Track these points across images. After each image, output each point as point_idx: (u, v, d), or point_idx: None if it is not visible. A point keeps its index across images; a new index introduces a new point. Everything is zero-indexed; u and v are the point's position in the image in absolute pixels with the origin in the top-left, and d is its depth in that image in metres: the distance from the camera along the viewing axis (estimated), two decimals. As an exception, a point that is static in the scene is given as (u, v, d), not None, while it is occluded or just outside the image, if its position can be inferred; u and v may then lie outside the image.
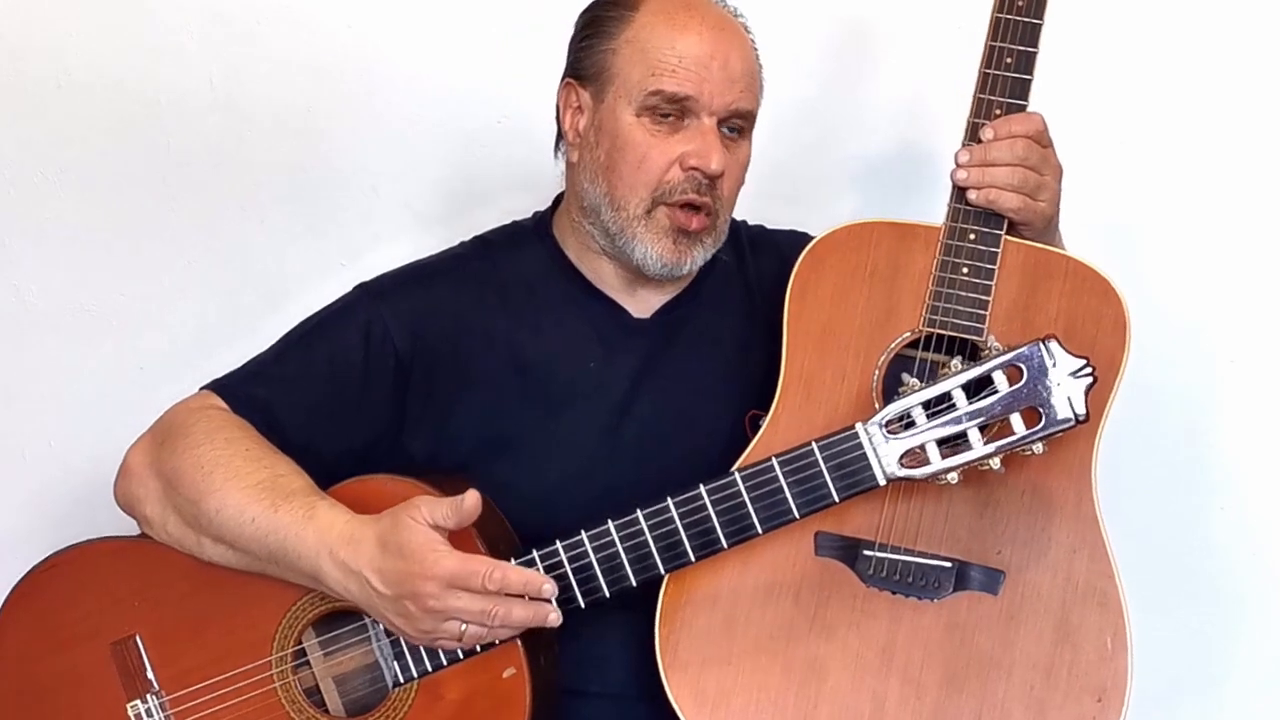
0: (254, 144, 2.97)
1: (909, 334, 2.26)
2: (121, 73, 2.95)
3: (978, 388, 2.08)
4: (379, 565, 2.13)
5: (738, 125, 2.36)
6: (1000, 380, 2.06)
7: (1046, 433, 2.07)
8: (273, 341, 2.45)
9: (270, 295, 2.94)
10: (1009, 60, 2.25)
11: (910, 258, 2.28)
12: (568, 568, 2.20)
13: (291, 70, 2.96)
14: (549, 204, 2.54)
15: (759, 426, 2.29)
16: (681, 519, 2.18)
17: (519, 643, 2.22)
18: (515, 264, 2.46)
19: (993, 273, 2.24)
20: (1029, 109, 2.27)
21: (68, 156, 2.97)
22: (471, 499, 2.12)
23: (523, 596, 2.14)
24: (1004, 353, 2.07)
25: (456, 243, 2.53)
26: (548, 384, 2.39)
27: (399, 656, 2.26)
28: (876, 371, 2.26)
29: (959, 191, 2.27)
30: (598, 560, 2.19)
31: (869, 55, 2.90)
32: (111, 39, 2.95)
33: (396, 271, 2.47)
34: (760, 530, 2.17)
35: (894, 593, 2.22)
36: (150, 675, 2.31)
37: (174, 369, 2.77)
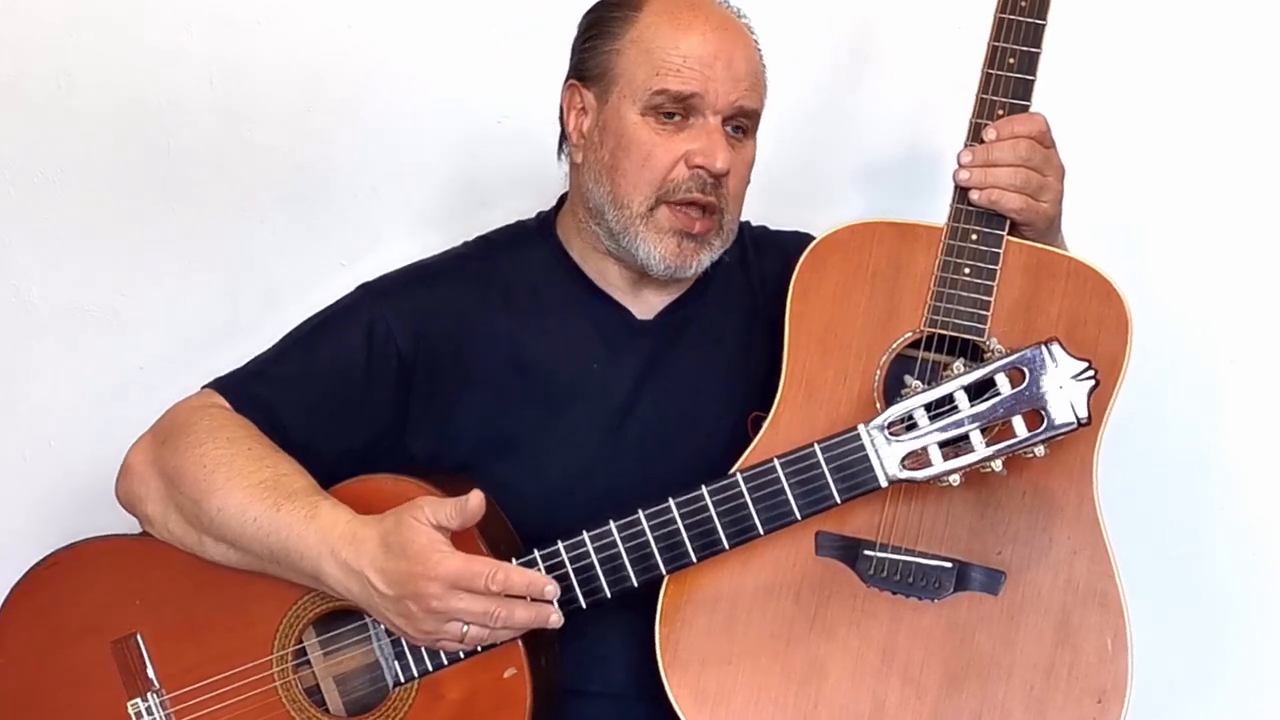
0: (254, 144, 2.97)
1: (910, 334, 2.26)
2: (121, 73, 2.95)
3: (979, 390, 2.08)
4: (381, 565, 2.13)
5: (742, 124, 2.36)
6: (1002, 382, 2.06)
7: (1048, 435, 2.07)
8: (274, 341, 2.45)
9: (270, 295, 2.94)
10: (1012, 60, 2.26)
11: (912, 258, 2.28)
12: (569, 568, 2.20)
13: (291, 70, 2.95)
14: (551, 204, 2.54)
15: (761, 428, 2.29)
16: (683, 519, 2.18)
17: (519, 642, 2.22)
18: (518, 264, 2.46)
19: (995, 273, 2.24)
20: (1032, 109, 2.27)
21: (68, 156, 2.97)
22: (476, 499, 2.12)
23: (524, 598, 2.14)
24: (1006, 355, 2.07)
25: (459, 243, 2.53)
26: (550, 384, 2.40)
27: (400, 656, 2.26)
28: (878, 372, 2.26)
29: (961, 192, 2.27)
30: (599, 560, 2.19)
31: (871, 56, 2.90)
32: (111, 39, 2.94)
33: (399, 271, 2.47)
34: (762, 531, 2.17)
35: (894, 593, 2.22)
36: (151, 674, 2.31)
37: (174, 369, 2.77)
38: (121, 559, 2.36)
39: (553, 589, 2.14)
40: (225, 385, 2.39)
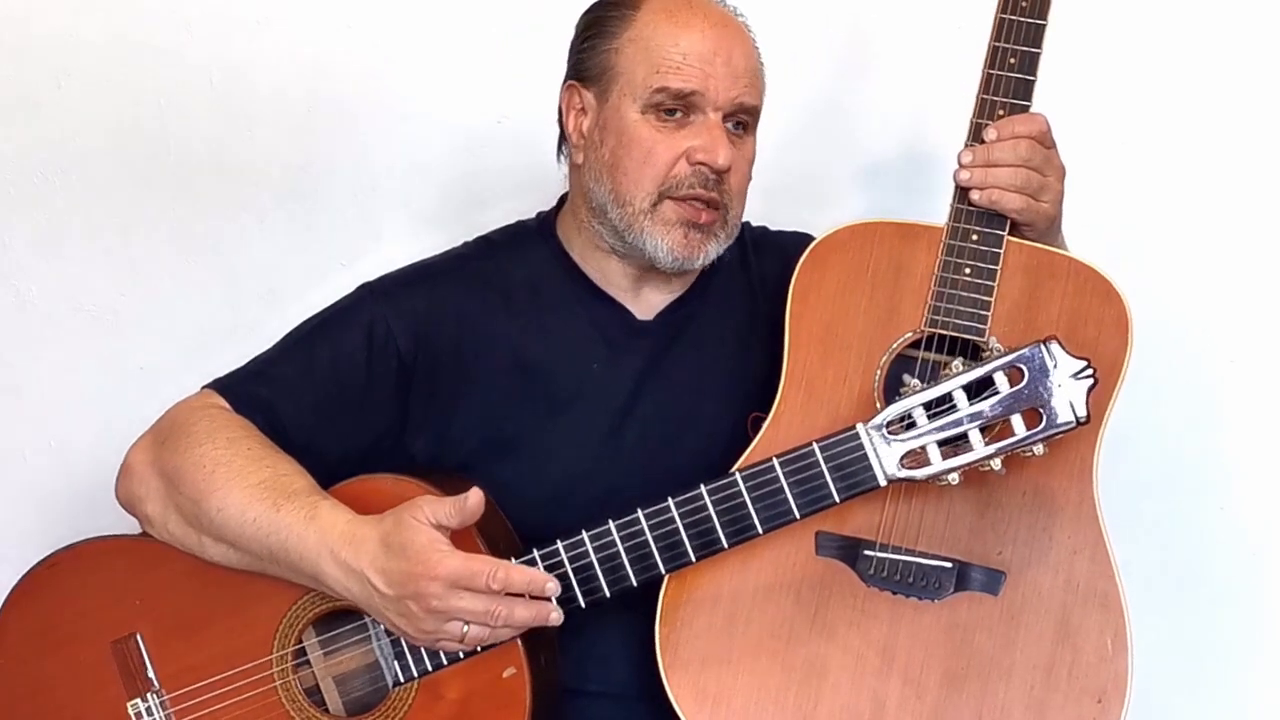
0: (254, 144, 2.97)
1: (911, 334, 2.26)
2: (121, 73, 2.95)
3: (979, 389, 2.08)
4: (381, 565, 2.13)
5: (743, 121, 2.37)
6: (1001, 381, 2.06)
7: (1047, 434, 2.07)
8: (273, 341, 2.44)
9: (270, 295, 2.95)
10: (1012, 61, 2.26)
11: (912, 258, 2.28)
12: (568, 567, 2.20)
13: (292, 70, 2.96)
14: (551, 204, 2.54)
15: (760, 428, 2.29)
16: (682, 519, 2.18)
17: (519, 642, 2.22)
18: (519, 264, 2.47)
19: (995, 273, 2.24)
20: (1032, 109, 2.27)
21: (68, 156, 2.97)
22: (475, 498, 2.12)
23: (524, 596, 2.14)
24: (1005, 354, 2.07)
25: (459, 243, 2.53)
26: (550, 385, 2.40)
27: (399, 656, 2.26)
28: (878, 372, 2.26)
29: (961, 192, 2.27)
30: (598, 560, 2.19)
31: (871, 56, 2.90)
32: (111, 39, 2.94)
33: (400, 272, 2.47)
34: (761, 530, 2.17)
35: (895, 593, 2.22)
36: (151, 674, 2.31)
37: (174, 369, 2.76)
38: (121, 559, 2.35)
39: (553, 586, 2.14)
40: (225, 385, 2.39)
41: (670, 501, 2.18)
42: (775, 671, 2.22)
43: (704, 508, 2.17)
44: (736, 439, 2.33)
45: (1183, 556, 2.89)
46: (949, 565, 2.22)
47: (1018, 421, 2.07)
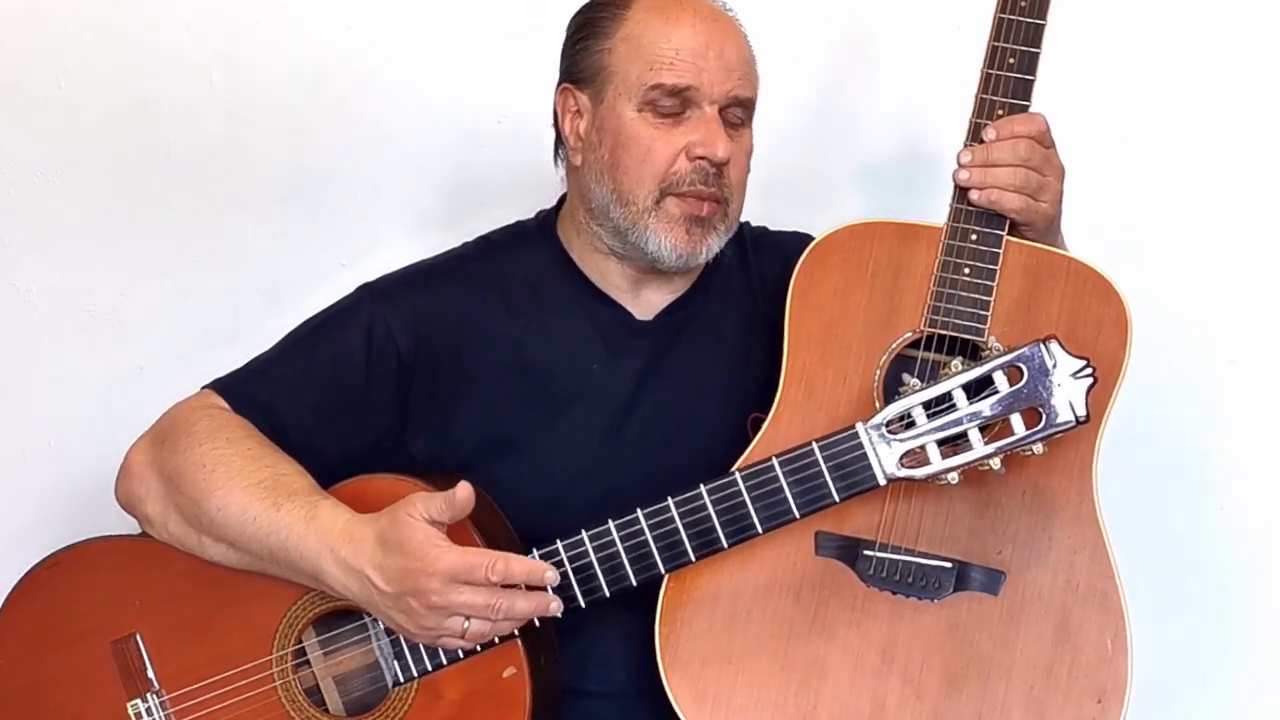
0: (254, 144, 2.97)
1: (910, 334, 2.26)
2: (121, 73, 2.95)
3: (978, 388, 2.08)
4: (380, 563, 2.13)
5: (739, 114, 2.37)
6: (1001, 381, 2.06)
7: (1047, 433, 2.07)
8: (274, 341, 2.45)
9: (270, 295, 2.95)
10: (1011, 60, 2.26)
11: (912, 258, 2.28)
12: (568, 567, 2.20)
13: (291, 70, 2.96)
14: (551, 203, 2.54)
15: (760, 428, 2.28)
16: (682, 519, 2.18)
17: (519, 642, 2.22)
18: (519, 264, 2.47)
19: (994, 273, 2.24)
20: (1031, 109, 2.27)
21: (68, 156, 2.97)
22: (463, 491, 2.11)
23: (522, 587, 2.14)
24: (1005, 353, 2.07)
25: (459, 243, 2.53)
26: (550, 385, 2.40)
27: (399, 656, 2.26)
28: (877, 371, 2.26)
29: (961, 192, 2.27)
30: (598, 560, 2.20)
31: (870, 56, 2.90)
32: (111, 39, 2.95)
33: (399, 272, 2.47)
34: (760, 530, 2.17)
35: (894, 593, 2.22)
36: (150, 674, 2.31)
37: (174, 369, 2.76)
38: (121, 559, 2.36)
39: (552, 575, 2.14)
40: (225, 386, 2.39)
41: (670, 501, 2.18)
42: (775, 671, 2.22)
43: (704, 507, 2.17)
44: (736, 439, 2.33)
45: (1183, 556, 2.89)
46: (949, 565, 2.22)
47: (1017, 421, 2.07)
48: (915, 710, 2.21)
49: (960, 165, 2.26)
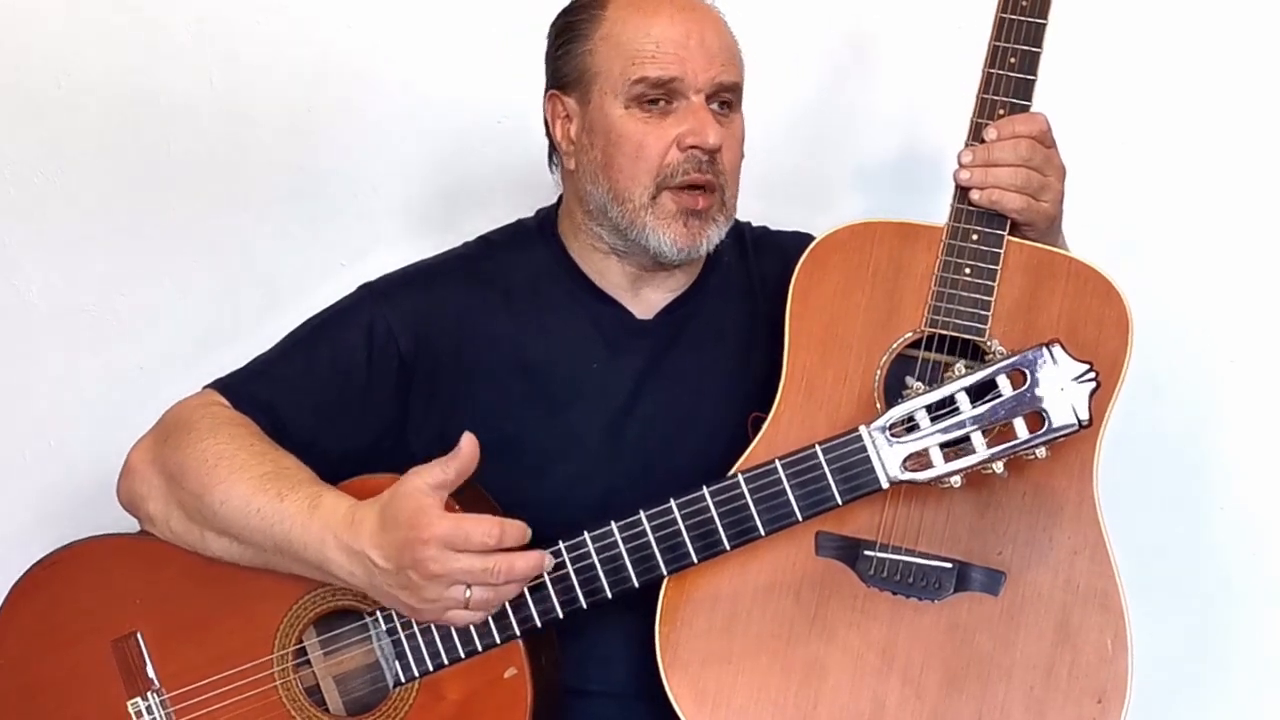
0: (253, 144, 2.97)
1: (911, 334, 2.26)
2: (121, 73, 2.95)
3: (980, 391, 2.08)
4: (379, 540, 2.13)
5: (726, 99, 2.36)
6: (1003, 384, 2.06)
7: (1049, 437, 2.07)
8: (274, 341, 2.45)
9: (270, 295, 2.95)
10: (1013, 60, 2.25)
11: (913, 258, 2.28)
12: (570, 568, 2.20)
13: (291, 70, 2.96)
14: (551, 201, 2.54)
15: (760, 428, 2.28)
16: (684, 520, 2.18)
17: (520, 642, 2.22)
18: (519, 264, 2.47)
19: (995, 273, 2.24)
20: (1032, 109, 2.27)
21: (68, 156, 2.97)
22: (468, 444, 2.10)
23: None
24: (1007, 357, 2.07)
25: (459, 243, 2.53)
26: (551, 384, 2.40)
27: (400, 656, 2.26)
28: (878, 372, 2.26)
29: (962, 191, 2.27)
30: (600, 560, 2.20)
31: (871, 56, 2.90)
32: (111, 39, 2.95)
33: (400, 272, 2.47)
34: (763, 532, 2.17)
35: (895, 593, 2.22)
36: (151, 673, 2.31)
37: (174, 369, 2.77)
38: (122, 558, 2.36)
39: (548, 561, 2.14)
40: (226, 385, 2.39)
41: (673, 502, 2.18)
42: (775, 671, 2.22)
43: (706, 509, 2.17)
44: (736, 439, 2.33)
45: (1183, 557, 2.89)
46: (949, 565, 2.22)
47: (1020, 424, 2.07)
48: (915, 710, 2.21)
49: (961, 165, 2.26)
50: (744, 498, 2.17)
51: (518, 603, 2.20)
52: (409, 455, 2.37)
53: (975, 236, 2.26)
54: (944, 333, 2.25)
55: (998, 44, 2.26)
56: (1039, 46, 2.26)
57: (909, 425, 2.11)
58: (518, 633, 2.22)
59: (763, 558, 2.24)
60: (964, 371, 2.09)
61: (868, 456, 2.13)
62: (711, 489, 2.17)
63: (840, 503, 2.16)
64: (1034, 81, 2.26)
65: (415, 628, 2.25)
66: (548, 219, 2.52)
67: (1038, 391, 2.05)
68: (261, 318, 2.77)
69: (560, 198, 2.53)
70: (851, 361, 2.27)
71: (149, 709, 2.31)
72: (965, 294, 2.25)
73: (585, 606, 2.21)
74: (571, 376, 2.41)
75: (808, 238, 2.39)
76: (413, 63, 2.95)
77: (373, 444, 2.39)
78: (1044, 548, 2.22)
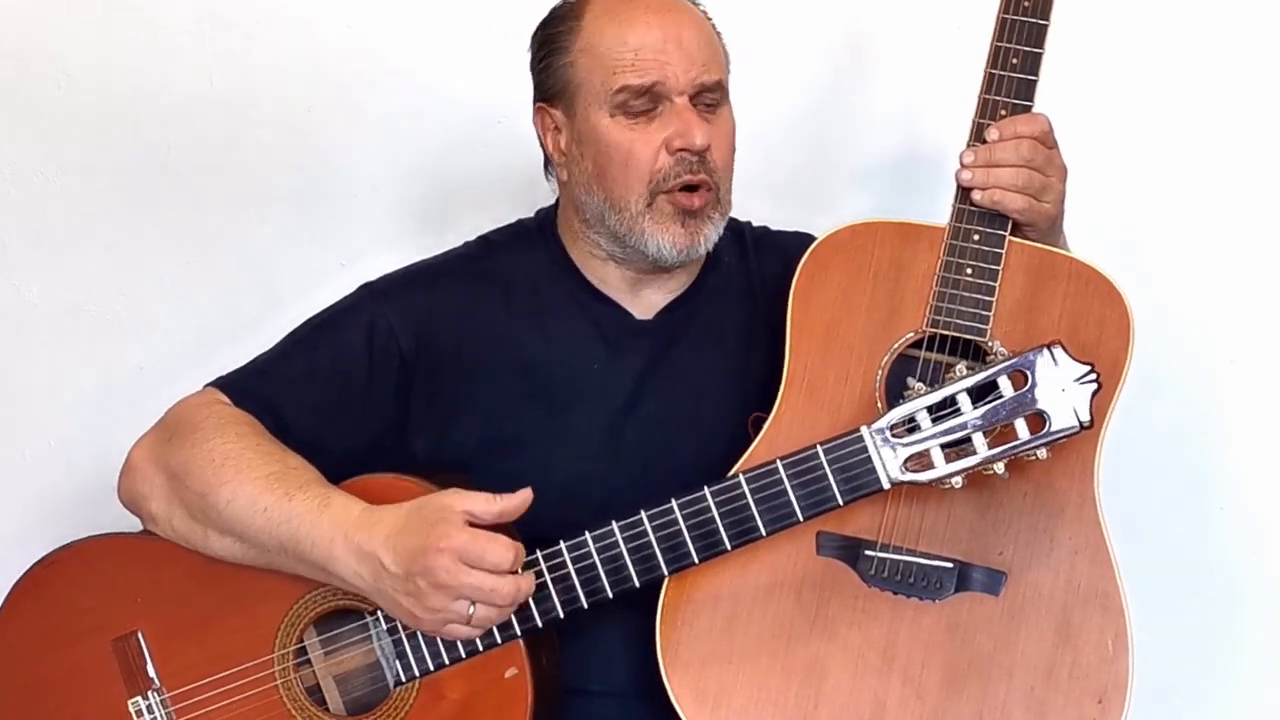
0: (253, 144, 2.97)
1: (912, 334, 2.26)
2: (121, 73, 2.95)
3: (982, 392, 2.08)
4: (394, 543, 2.14)
5: (711, 98, 2.35)
6: (1005, 385, 2.06)
7: (1050, 439, 2.07)
8: (274, 341, 2.45)
9: (270, 295, 2.94)
10: (1014, 61, 2.25)
11: (914, 258, 2.28)
12: (571, 568, 2.20)
13: (291, 70, 2.96)
14: (551, 200, 2.54)
15: (761, 428, 2.28)
16: (685, 520, 2.18)
17: (521, 642, 2.22)
18: (519, 264, 2.47)
19: (997, 273, 2.24)
20: (1034, 110, 2.27)
21: (68, 156, 2.97)
22: (523, 497, 2.16)
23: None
24: (1009, 358, 2.07)
25: (459, 242, 2.54)
26: (551, 385, 2.40)
27: (401, 656, 2.26)
28: (879, 372, 2.26)
29: (963, 192, 2.27)
30: (601, 561, 2.20)
31: (872, 56, 2.89)
32: (111, 39, 2.94)
33: (401, 271, 2.48)
34: (764, 532, 2.18)
35: (895, 593, 2.23)
36: (151, 672, 2.31)
37: (174, 369, 2.77)
38: (122, 557, 2.36)
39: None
40: (228, 384, 2.39)
41: (674, 503, 2.18)
42: (776, 671, 2.23)
43: (707, 509, 2.17)
44: (736, 439, 2.33)
45: (1183, 556, 2.89)
46: (950, 565, 2.22)
47: (1021, 425, 2.07)
48: (916, 710, 2.21)
49: (963, 165, 2.26)
50: (745, 498, 2.17)
51: (519, 602, 2.21)
52: (409, 455, 2.39)
53: (977, 237, 2.26)
54: (945, 333, 2.25)
55: (999, 44, 2.26)
56: (1041, 47, 2.25)
57: (910, 426, 2.11)
58: (518, 632, 2.22)
59: (764, 557, 2.24)
60: (965, 373, 2.09)
61: (869, 457, 2.13)
62: (713, 489, 2.18)
63: (841, 503, 2.16)
64: (1036, 82, 2.26)
65: (416, 627, 2.25)
66: (547, 219, 2.52)
67: (1039, 392, 2.06)
68: (261, 318, 2.76)
69: (559, 199, 2.53)
70: (853, 362, 2.27)
71: (149, 708, 2.31)
72: (967, 294, 2.25)
73: (586, 606, 2.21)
74: (572, 377, 2.41)
75: (809, 238, 2.39)
76: (413, 63, 2.95)
77: (373, 443, 2.39)
78: (1045, 548, 2.22)
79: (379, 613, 2.27)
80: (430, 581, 2.11)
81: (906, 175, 2.87)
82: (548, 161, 2.48)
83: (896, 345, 2.26)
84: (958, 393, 2.08)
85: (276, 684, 2.29)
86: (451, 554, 2.10)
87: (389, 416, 2.39)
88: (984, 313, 2.24)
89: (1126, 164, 2.84)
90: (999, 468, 2.11)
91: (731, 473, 2.20)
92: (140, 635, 2.32)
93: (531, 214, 2.56)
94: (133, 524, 2.39)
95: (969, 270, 2.25)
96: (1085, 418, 2.06)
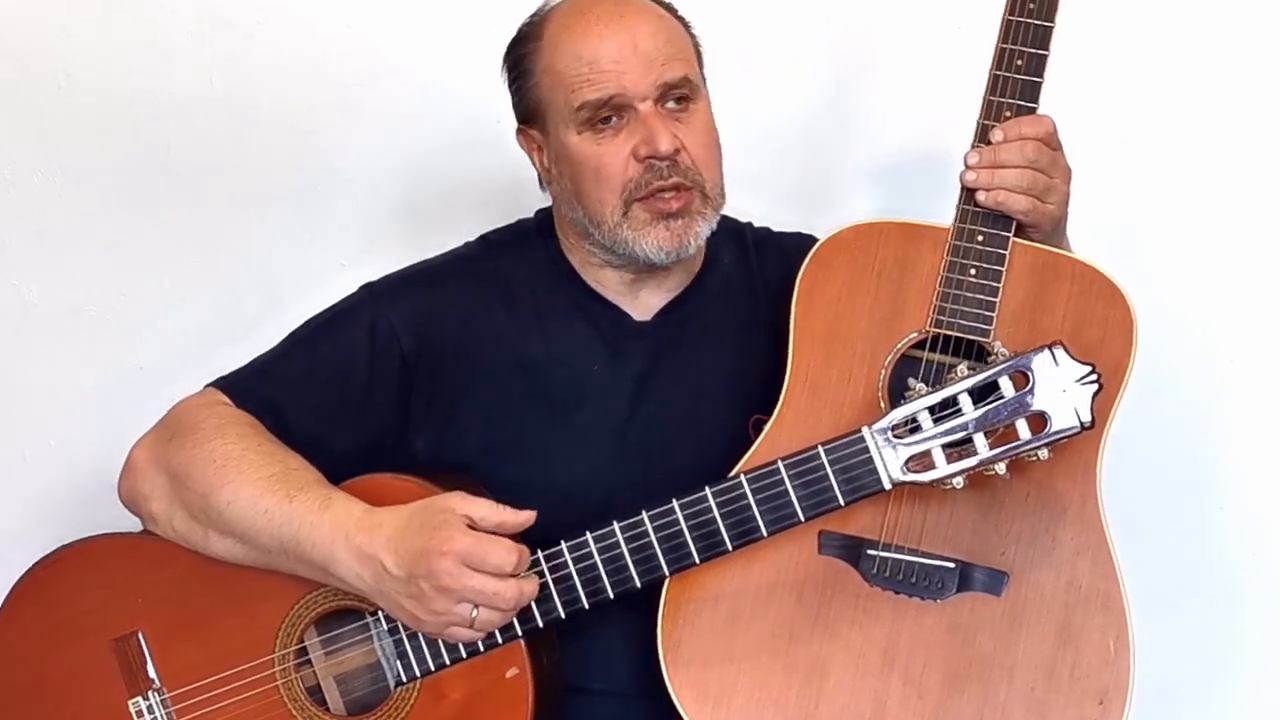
0: (253, 144, 2.97)
1: (915, 335, 2.26)
2: (121, 73, 2.95)
3: (983, 392, 2.08)
4: (396, 545, 2.14)
5: (679, 94, 2.34)
6: (1006, 386, 2.06)
7: (1052, 439, 2.07)
8: (275, 341, 2.45)
9: (270, 295, 2.94)
10: (1019, 62, 2.25)
11: (918, 258, 2.28)
12: (572, 569, 2.20)
13: (291, 70, 2.96)
14: (550, 201, 2.54)
15: (762, 430, 2.28)
16: (686, 521, 2.18)
17: (521, 642, 2.23)
18: (519, 265, 2.47)
19: (1000, 274, 2.24)
20: (1039, 111, 2.27)
21: (68, 156, 2.97)
22: (528, 515, 2.17)
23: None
24: (1010, 358, 2.07)
25: (459, 243, 2.54)
26: (552, 385, 2.40)
27: (401, 656, 2.27)
28: (883, 372, 2.26)
29: (968, 193, 2.27)
30: (602, 561, 2.20)
31: (876, 57, 2.89)
32: (111, 39, 2.95)
33: (401, 272, 2.48)
34: (765, 533, 2.17)
35: (897, 593, 2.23)
36: (152, 672, 2.31)
37: (174, 369, 2.76)
38: (123, 557, 2.36)
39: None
40: (229, 384, 2.39)
41: (675, 503, 2.18)
42: (777, 670, 2.23)
43: (708, 509, 2.17)
44: (737, 440, 2.33)
45: (1183, 557, 2.89)
46: (952, 565, 2.22)
47: (1022, 426, 2.07)
48: (917, 710, 2.21)
49: (967, 166, 2.26)
50: (746, 498, 2.17)
51: (520, 603, 2.21)
52: (410, 455, 2.39)
53: (980, 237, 2.26)
54: (949, 333, 2.25)
55: (1004, 46, 2.26)
56: (1045, 49, 2.25)
57: (912, 426, 2.11)
58: (519, 633, 2.22)
59: (765, 557, 2.24)
60: (966, 373, 2.09)
61: (870, 458, 2.13)
62: (714, 489, 2.18)
63: (842, 504, 2.16)
64: (1040, 84, 2.26)
65: (416, 627, 2.25)
66: (547, 220, 2.52)
67: (1039, 393, 2.05)
68: (261, 318, 2.76)
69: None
70: (856, 362, 2.27)
71: (150, 708, 2.31)
72: (970, 295, 2.25)
73: (587, 607, 2.21)
74: (572, 378, 2.41)
75: (810, 239, 2.39)
76: (413, 63, 2.95)
77: (374, 444, 2.39)
78: (1046, 548, 2.22)
79: (380, 613, 2.27)
80: (433, 584, 2.12)
81: (910, 176, 2.86)
82: (540, 177, 2.49)
83: (900, 345, 2.26)
84: (959, 393, 2.08)
85: (277, 684, 2.29)
86: (454, 557, 2.10)
87: (390, 417, 2.39)
88: (987, 313, 2.24)
89: (1128, 165, 2.83)
90: (1000, 468, 2.12)
91: (733, 473, 2.20)
92: (140, 635, 2.32)
93: (531, 214, 2.56)
94: (133, 524, 2.39)
95: (973, 271, 2.25)
96: (1086, 418, 2.06)
